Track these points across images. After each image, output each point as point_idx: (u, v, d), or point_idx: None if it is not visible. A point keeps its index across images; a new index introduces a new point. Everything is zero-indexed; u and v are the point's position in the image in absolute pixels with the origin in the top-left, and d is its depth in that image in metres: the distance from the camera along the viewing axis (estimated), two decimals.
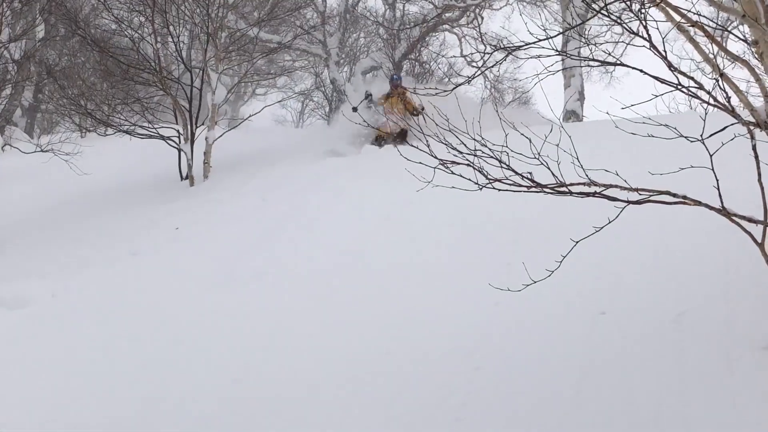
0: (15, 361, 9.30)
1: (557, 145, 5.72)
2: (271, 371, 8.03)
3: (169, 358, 8.84)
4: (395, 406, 7.02)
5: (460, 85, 5.93)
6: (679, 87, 5.42)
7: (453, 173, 5.89)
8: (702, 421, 5.88)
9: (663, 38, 5.17)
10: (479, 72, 5.68)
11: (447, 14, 21.52)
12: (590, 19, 5.50)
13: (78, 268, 11.78)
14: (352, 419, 7.04)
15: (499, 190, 5.81)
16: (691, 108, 16.60)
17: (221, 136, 17.01)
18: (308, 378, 7.73)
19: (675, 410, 6.12)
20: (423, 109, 14.83)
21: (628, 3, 5.22)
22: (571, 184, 5.48)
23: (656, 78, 5.38)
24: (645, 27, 5.23)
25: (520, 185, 5.73)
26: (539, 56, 5.75)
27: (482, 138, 5.93)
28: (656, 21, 5.24)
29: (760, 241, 5.89)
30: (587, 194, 5.46)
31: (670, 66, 5.26)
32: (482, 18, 21.03)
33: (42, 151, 16.49)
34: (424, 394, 7.09)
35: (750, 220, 5.71)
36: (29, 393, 8.56)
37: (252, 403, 7.56)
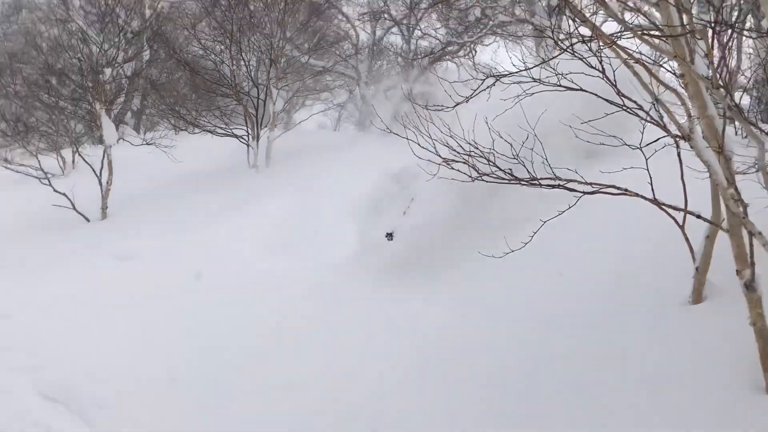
0: (118, 297, 9.41)
1: (531, 149, 5.73)
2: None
3: (230, 312, 8.88)
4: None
5: (459, 104, 5.89)
6: (625, 108, 5.38)
7: (452, 168, 5.88)
8: (638, 356, 5.92)
9: (614, 71, 5.13)
10: (475, 93, 5.64)
11: (449, 48, 21.43)
12: (558, 55, 5.43)
13: (172, 232, 11.84)
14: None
15: (488, 181, 5.80)
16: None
17: (279, 136, 17.05)
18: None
19: (617, 347, 6.14)
20: None
21: (588, 44, 5.18)
22: (542, 179, 5.46)
23: (607, 100, 5.35)
24: (600, 62, 5.19)
25: (503, 178, 5.72)
26: (519, 82, 5.72)
27: (475, 142, 5.91)
28: (609, 57, 5.20)
29: (681, 223, 5.88)
30: (553, 186, 5.44)
31: (618, 92, 5.22)
32: (476, 51, 20.86)
33: (147, 144, 16.53)
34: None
35: (674, 207, 5.69)
36: (122, 327, 8.65)
37: None
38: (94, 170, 14.47)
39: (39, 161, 15.61)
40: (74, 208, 13.70)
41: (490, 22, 19.17)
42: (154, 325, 8.65)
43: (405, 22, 22.63)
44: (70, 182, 14.69)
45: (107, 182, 14.29)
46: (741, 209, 4.89)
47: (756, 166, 5.70)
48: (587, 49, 5.30)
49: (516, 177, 5.67)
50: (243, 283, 9.66)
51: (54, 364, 8.02)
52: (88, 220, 13.68)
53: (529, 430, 5.85)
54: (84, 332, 8.60)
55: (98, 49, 17.14)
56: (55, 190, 13.94)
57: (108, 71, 16.90)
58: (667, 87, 5.16)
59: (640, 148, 5.54)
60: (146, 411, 7.17)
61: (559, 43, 5.59)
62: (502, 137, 5.79)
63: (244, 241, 11.14)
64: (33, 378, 7.74)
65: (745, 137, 5.25)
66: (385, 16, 22.72)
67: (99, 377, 7.71)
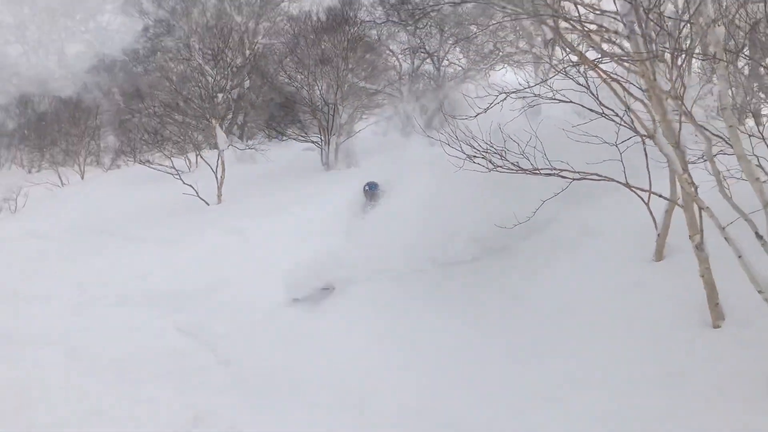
0: (229, 260, 9.53)
1: (534, 147, 5.67)
2: None
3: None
4: None
5: (478, 114, 5.86)
6: (604, 114, 5.31)
7: (473, 162, 5.86)
8: (613, 299, 5.85)
9: (597, 87, 5.06)
10: (491, 106, 5.61)
11: (469, 73, 21.27)
12: (553, 77, 5.37)
13: (266, 212, 11.91)
14: None
15: (500, 171, 5.76)
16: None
17: (344, 141, 17.07)
18: None
19: (598, 291, 6.05)
20: None
21: (577, 68, 5.11)
22: (542, 168, 5.42)
23: (591, 110, 5.28)
24: (586, 80, 5.12)
25: (512, 169, 5.68)
26: (524, 97, 5.68)
27: (490, 142, 5.88)
28: (592, 77, 5.13)
29: (647, 201, 5.80)
30: (550, 174, 5.40)
31: (600, 103, 5.15)
32: (489, 74, 20.63)
33: (248, 148, 16.71)
34: None
35: (641, 189, 5.62)
36: (234, 281, 8.75)
37: None
38: (211, 167, 14.69)
39: (172, 162, 15.91)
40: (198, 195, 13.92)
41: (500, 53, 18.93)
42: (255, 279, 8.75)
43: (436, 54, 22.48)
44: (194, 177, 14.93)
45: (221, 176, 14.49)
46: (693, 189, 4.81)
47: (704, 157, 5.58)
48: (576, 71, 5.23)
49: (522, 167, 5.64)
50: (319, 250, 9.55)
51: (186, 307, 8.19)
52: (208, 204, 13.89)
53: (541, 351, 5.77)
54: (206, 284, 8.75)
55: (212, 80, 17.36)
56: (184, 183, 14.18)
57: (220, 95, 17.12)
58: (636, 98, 5.07)
59: (616, 145, 5.46)
60: (253, 340, 7.29)
61: (554, 67, 5.53)
62: (512, 138, 5.75)
63: (318, 218, 11.00)
64: (171, 319, 7.92)
65: (696, 136, 5.15)
66: (421, 50, 22.55)
67: (218, 316, 7.86)
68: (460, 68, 21.77)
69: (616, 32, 4.97)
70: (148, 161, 16.39)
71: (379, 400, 5.66)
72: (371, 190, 10.61)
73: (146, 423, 5.67)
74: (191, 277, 9.06)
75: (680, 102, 4.69)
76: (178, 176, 14.61)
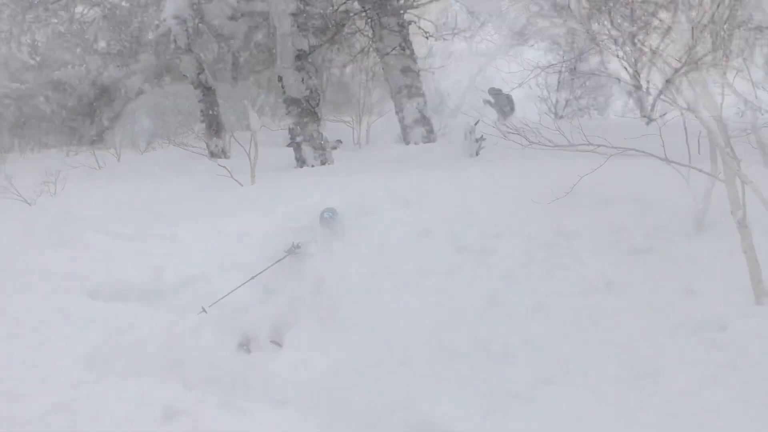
0: (260, 238, 9.58)
1: (570, 121, 5.62)
2: None
3: None
4: None
5: (514, 89, 5.82)
6: (640, 87, 5.24)
7: (508, 139, 5.84)
8: (657, 273, 5.73)
9: (635, 61, 4.98)
10: (526, 80, 5.57)
11: (501, 49, 20.95)
12: (590, 50, 5.31)
13: (298, 196, 11.81)
14: None
15: (535, 148, 5.73)
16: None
17: (375, 120, 17.04)
18: None
19: (642, 265, 5.90)
20: None
21: (615, 41, 5.04)
22: (579, 144, 5.38)
23: (629, 83, 5.20)
24: (624, 53, 5.04)
25: (547, 145, 5.65)
26: (559, 72, 5.61)
27: (524, 118, 5.84)
28: (630, 49, 5.05)
29: (686, 176, 5.72)
30: (587, 150, 5.35)
31: (638, 76, 5.08)
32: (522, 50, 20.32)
33: (281, 129, 16.75)
34: None
35: (679, 163, 5.54)
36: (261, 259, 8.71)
37: None
38: (244, 149, 14.81)
39: (206, 144, 16.07)
40: (231, 176, 14.10)
41: (533, 28, 18.61)
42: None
43: (467, 31, 22.23)
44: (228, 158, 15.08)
45: (254, 157, 14.62)
46: (736, 163, 4.73)
47: (747, 130, 5.46)
48: (614, 44, 5.16)
49: (558, 144, 5.59)
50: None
51: (214, 287, 8.30)
52: (241, 185, 14.04)
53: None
54: (240, 266, 8.84)
55: (243, 60, 17.44)
56: (218, 164, 14.35)
57: (251, 77, 17.21)
58: (677, 70, 4.98)
59: (655, 120, 5.38)
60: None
61: (591, 40, 5.45)
62: (546, 114, 5.70)
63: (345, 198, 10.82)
64: (201, 296, 8.06)
65: (738, 108, 5.04)
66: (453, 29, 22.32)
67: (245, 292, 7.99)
68: (492, 44, 21.47)
69: (655, 2, 4.87)
70: (183, 143, 16.53)
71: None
72: (331, 218, 8.61)
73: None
74: (226, 255, 9.14)
75: (723, 73, 4.59)
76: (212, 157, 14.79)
